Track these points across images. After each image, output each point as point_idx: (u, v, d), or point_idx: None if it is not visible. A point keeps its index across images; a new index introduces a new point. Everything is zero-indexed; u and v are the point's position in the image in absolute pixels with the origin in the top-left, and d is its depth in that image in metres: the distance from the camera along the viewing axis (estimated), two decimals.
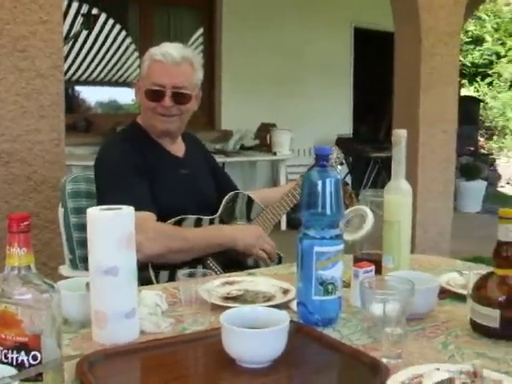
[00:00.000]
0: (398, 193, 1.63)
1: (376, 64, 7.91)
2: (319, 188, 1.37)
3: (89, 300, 1.31)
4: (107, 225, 1.29)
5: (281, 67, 6.92)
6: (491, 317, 1.31)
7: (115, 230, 1.28)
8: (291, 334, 1.21)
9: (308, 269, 1.38)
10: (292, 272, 1.64)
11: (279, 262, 2.17)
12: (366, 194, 1.75)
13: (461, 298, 1.51)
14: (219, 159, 3.69)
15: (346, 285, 1.53)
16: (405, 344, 1.21)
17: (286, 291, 1.58)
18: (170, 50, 2.07)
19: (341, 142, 6.62)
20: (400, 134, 1.60)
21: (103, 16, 6.46)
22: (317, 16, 7.13)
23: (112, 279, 1.27)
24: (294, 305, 1.46)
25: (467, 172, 7.77)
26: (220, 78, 6.71)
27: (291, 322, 1.22)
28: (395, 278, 1.38)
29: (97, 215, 1.31)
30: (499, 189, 9.10)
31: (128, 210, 1.31)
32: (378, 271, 1.58)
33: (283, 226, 5.98)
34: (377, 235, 1.65)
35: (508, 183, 9.33)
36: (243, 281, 1.69)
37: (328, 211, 1.37)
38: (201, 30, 6.92)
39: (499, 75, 11.05)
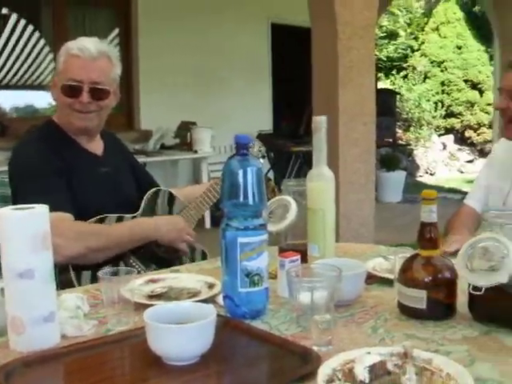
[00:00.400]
0: (321, 179, 1.60)
1: (295, 59, 7.96)
2: (240, 177, 1.33)
3: (4, 306, 1.23)
4: (19, 225, 1.21)
5: (200, 65, 6.87)
6: (418, 298, 1.31)
7: (28, 230, 1.20)
8: (219, 328, 1.17)
9: (233, 261, 1.34)
10: (217, 267, 1.60)
11: (203, 258, 2.14)
12: (289, 183, 1.73)
13: (387, 282, 1.52)
14: (140, 159, 3.60)
15: (273, 276, 1.51)
16: (334, 331, 1.19)
17: (211, 286, 1.54)
18: (87, 45, 1.99)
19: (262, 138, 6.61)
20: (319, 121, 1.58)
21: (14, 16, 6.22)
22: (234, 13, 7.11)
23: (28, 282, 1.20)
24: (220, 299, 1.42)
25: (387, 163, 7.93)
26: (138, 77, 6.59)
27: (218, 315, 1.19)
28: (322, 265, 1.37)
29: (8, 215, 1.23)
30: (418, 178, 9.36)
31: (41, 209, 1.24)
32: (304, 260, 1.56)
33: (207, 223, 5.94)
34: (301, 225, 1.63)
35: (426, 173, 9.61)
36: (167, 278, 1.64)
37: (250, 201, 1.34)
38: (116, 31, 6.77)
39: (413, 68, 11.37)
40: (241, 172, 1.33)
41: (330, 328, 1.17)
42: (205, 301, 1.38)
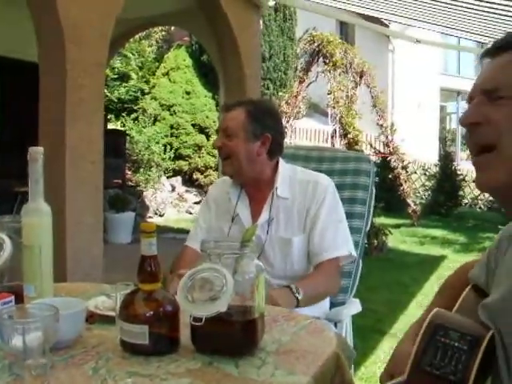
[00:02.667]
0: (37, 215, 1.50)
1: (26, 95, 7.56)
2: None
3: None
4: None
5: None
6: (140, 334, 1.28)
7: None
8: None
9: None
10: None
11: None
12: (4, 220, 1.60)
13: (110, 320, 1.46)
14: None
15: None
16: (52, 375, 1.11)
17: None
18: None
19: None
20: (36, 151, 1.49)
21: None
22: None
23: None
24: None
25: (116, 204, 7.87)
26: None
27: None
28: (37, 305, 1.27)
29: None
30: (148, 219, 9.44)
31: None
32: (21, 302, 1.44)
33: None
34: (18, 265, 1.51)
35: (156, 213, 9.74)
36: None
37: None
38: None
39: (144, 111, 11.55)
40: None
41: (45, 373, 1.08)
42: None
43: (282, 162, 2.31)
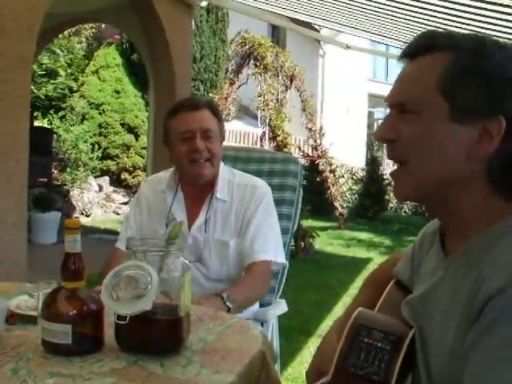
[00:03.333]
0: None
1: None
2: None
3: None
4: None
5: None
6: (63, 333, 1.26)
7: None
8: None
9: None
10: None
11: None
12: None
13: (33, 320, 1.43)
14: None
15: None
16: None
17: None
18: None
19: None
20: None
21: None
22: None
23: None
24: None
25: (41, 203, 7.67)
26: None
27: None
28: None
29: None
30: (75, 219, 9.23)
31: None
32: None
33: None
34: None
35: (82, 214, 9.55)
36: None
37: None
38: None
39: (72, 109, 11.29)
40: None
41: None
42: None
43: (221, 163, 2.30)
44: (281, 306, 2.51)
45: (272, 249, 2.22)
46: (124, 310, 1.22)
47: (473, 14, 3.80)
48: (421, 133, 1.10)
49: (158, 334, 1.30)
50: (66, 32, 10.55)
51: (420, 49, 1.14)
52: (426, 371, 1.14)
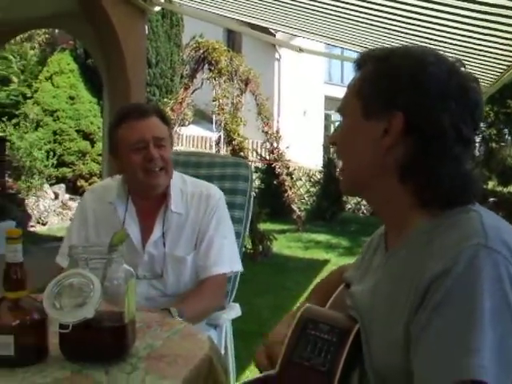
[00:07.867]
0: None
1: None
2: None
3: None
4: None
5: None
6: (5, 344, 1.25)
7: None
8: None
9: None
10: None
11: None
12: None
13: None
14: None
15: None
16: None
17: None
18: None
19: None
20: None
21: None
22: None
23: None
24: None
25: None
26: None
27: None
28: None
29: None
30: (30, 229, 9.09)
31: None
32: None
33: None
34: None
35: (38, 222, 9.40)
36: None
37: None
38: None
39: (26, 116, 11.13)
40: None
41: None
42: None
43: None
44: (234, 310, 2.50)
45: (227, 260, 2.18)
46: (66, 318, 1.22)
47: (418, 13, 3.87)
48: (343, 132, 1.24)
49: (102, 341, 1.29)
50: (18, 38, 10.39)
51: (358, 63, 1.26)
52: (371, 362, 1.16)
